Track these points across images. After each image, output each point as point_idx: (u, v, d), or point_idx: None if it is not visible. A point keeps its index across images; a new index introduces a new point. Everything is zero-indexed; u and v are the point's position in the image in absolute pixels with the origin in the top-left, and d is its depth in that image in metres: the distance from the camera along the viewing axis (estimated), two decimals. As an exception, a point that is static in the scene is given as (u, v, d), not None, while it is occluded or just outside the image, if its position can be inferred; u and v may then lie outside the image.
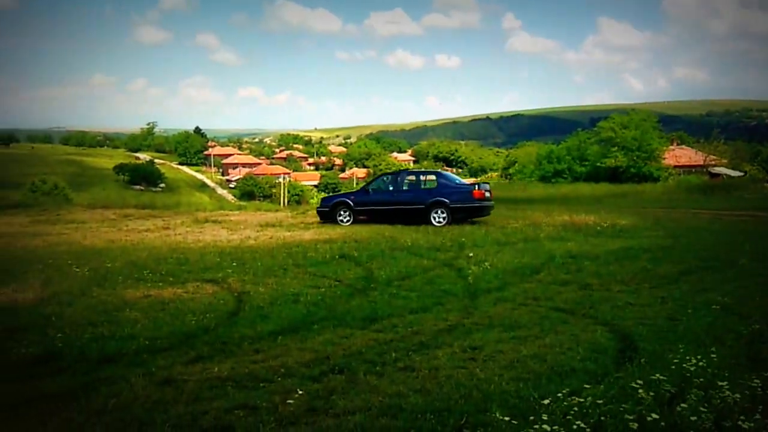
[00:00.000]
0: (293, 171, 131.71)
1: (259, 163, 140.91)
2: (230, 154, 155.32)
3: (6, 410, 5.68)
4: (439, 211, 20.41)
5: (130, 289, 10.49)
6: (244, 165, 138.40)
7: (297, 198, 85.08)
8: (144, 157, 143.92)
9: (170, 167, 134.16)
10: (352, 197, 21.99)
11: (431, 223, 20.07)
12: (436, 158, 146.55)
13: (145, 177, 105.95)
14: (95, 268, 12.15)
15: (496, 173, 72.07)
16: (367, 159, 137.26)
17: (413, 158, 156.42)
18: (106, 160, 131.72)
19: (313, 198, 79.60)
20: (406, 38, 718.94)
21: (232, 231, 19.07)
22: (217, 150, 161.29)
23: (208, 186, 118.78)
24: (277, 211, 31.94)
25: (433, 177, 22.06)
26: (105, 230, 19.74)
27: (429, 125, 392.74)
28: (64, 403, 5.81)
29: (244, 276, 11.66)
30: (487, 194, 21.51)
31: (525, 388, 5.92)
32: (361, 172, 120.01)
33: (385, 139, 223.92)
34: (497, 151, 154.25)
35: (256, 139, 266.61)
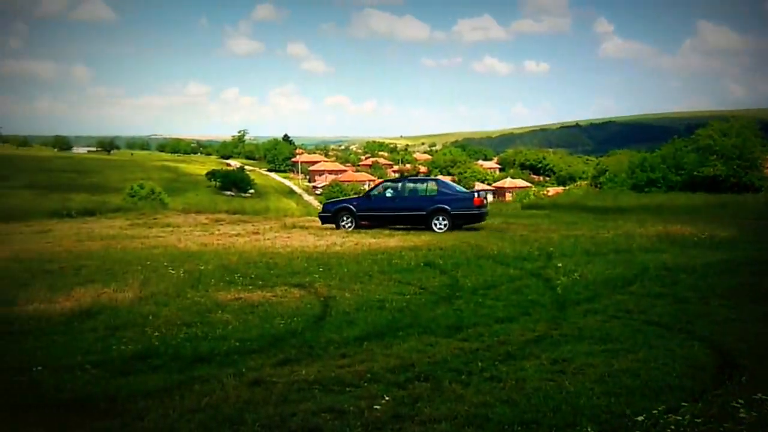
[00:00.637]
0: (378, 178, 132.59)
1: (345, 170, 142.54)
2: (317, 161, 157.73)
3: (107, 403, 5.93)
4: (440, 218, 21.18)
5: (221, 292, 10.78)
6: (330, 172, 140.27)
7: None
8: (235, 163, 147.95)
9: (259, 174, 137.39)
10: (355, 203, 22.67)
11: (432, 229, 20.89)
12: (523, 166, 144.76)
13: (236, 183, 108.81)
14: (189, 271, 12.55)
15: (586, 182, 70.55)
16: (452, 167, 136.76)
17: (499, 166, 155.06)
18: (199, 166, 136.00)
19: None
20: (494, 44, 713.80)
21: (318, 237, 19.33)
22: (305, 157, 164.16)
23: (295, 192, 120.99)
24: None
25: (434, 184, 22.77)
26: (198, 234, 20.37)
27: (516, 133, 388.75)
28: (161, 399, 6.03)
29: (331, 281, 11.81)
30: (485, 201, 22.92)
31: (617, 403, 5.77)
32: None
33: (471, 146, 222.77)
34: (587, 159, 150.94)
35: (342, 147, 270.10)
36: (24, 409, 5.78)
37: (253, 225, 23.52)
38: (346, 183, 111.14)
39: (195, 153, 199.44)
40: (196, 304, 9.92)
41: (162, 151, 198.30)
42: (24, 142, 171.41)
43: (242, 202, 54.70)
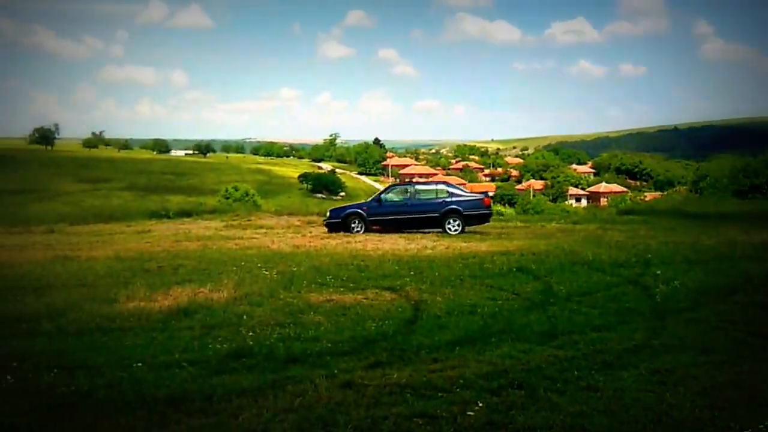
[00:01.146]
0: (469, 182, 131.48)
1: (435, 174, 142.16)
2: (407, 165, 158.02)
3: (203, 401, 6.06)
4: (452, 219, 21.57)
5: (313, 293, 10.90)
6: (420, 175, 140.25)
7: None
8: (326, 166, 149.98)
9: (350, 177, 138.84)
10: (365, 207, 22.64)
11: (446, 231, 21.29)
12: (618, 170, 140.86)
13: (327, 186, 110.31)
14: (282, 272, 12.76)
15: (685, 187, 68.00)
16: (544, 171, 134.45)
17: (593, 170, 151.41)
18: (292, 169, 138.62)
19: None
20: (588, 47, 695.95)
21: (409, 240, 19.33)
22: (395, 161, 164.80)
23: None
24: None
25: (443, 187, 23.14)
26: (290, 236, 20.74)
27: (611, 136, 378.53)
28: (254, 398, 6.13)
29: (422, 285, 11.76)
30: (491, 202, 24.20)
31: (721, 417, 5.50)
32: (538, 184, 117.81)
33: (564, 150, 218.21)
34: (686, 164, 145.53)
35: (433, 150, 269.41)
36: (125, 404, 5.98)
37: (343, 228, 23.74)
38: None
39: (287, 156, 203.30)
40: (289, 305, 10.06)
41: (256, 154, 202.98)
42: (125, 145, 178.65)
43: (333, 204, 55.42)
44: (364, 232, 21.59)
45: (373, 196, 24.45)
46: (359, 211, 22.46)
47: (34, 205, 57.80)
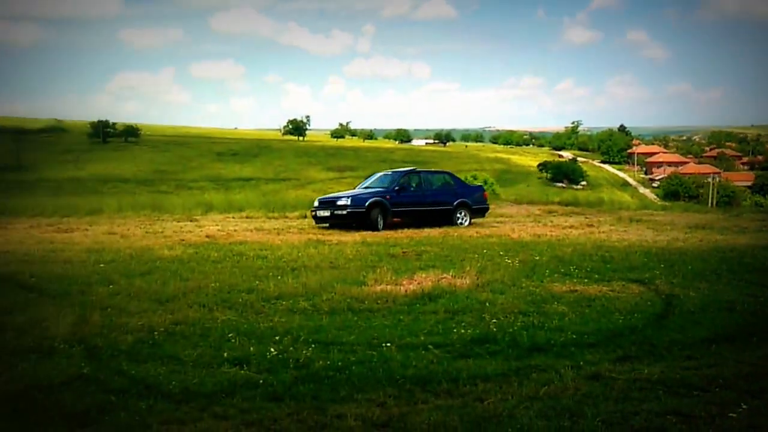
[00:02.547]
0: (724, 171, 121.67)
1: (686, 162, 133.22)
2: (654, 153, 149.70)
3: (448, 383, 6.24)
4: (462, 212, 20.10)
5: (556, 283, 10.74)
6: (669, 164, 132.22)
7: (727, 199, 78.33)
8: (567, 155, 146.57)
9: (592, 165, 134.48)
10: (387, 196, 19.60)
11: (455, 224, 19.70)
12: None
13: (567, 174, 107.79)
14: (524, 261, 12.72)
15: None
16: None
17: None
18: (531, 158, 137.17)
19: (746, 200, 72.59)
20: None
21: (657, 232, 18.37)
22: (641, 148, 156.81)
23: (629, 185, 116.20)
24: (706, 212, 29.92)
25: (449, 177, 21.51)
26: (531, 225, 20.58)
27: None
28: (499, 384, 6.18)
29: (673, 278, 11.12)
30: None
31: None
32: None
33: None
34: None
35: (684, 137, 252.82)
36: (376, 381, 6.31)
37: (586, 217, 23.13)
38: (687, 176, 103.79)
39: (527, 145, 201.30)
40: (532, 293, 10.00)
41: (495, 143, 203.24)
42: (370, 135, 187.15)
43: (574, 193, 53.90)
44: (383, 229, 18.98)
45: (381, 180, 21.29)
46: (382, 200, 19.40)
47: (289, 192, 62.57)
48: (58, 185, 55.26)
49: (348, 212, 19.09)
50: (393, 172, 21.78)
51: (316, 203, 20.55)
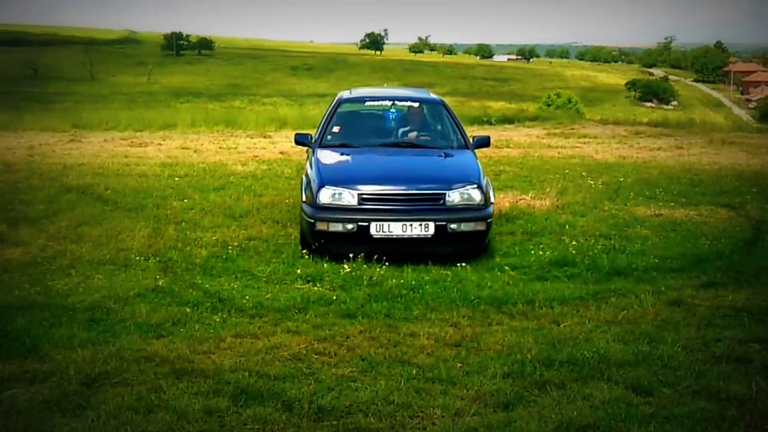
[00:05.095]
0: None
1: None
2: (752, 71, 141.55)
3: (524, 305, 6.16)
4: None
5: (640, 206, 10.37)
6: (767, 83, 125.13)
7: (831, 121, 74.00)
8: (658, 73, 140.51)
9: (684, 84, 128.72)
10: None
11: None
12: None
13: (657, 94, 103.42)
14: (607, 183, 12.30)
15: None
16: None
17: None
18: (619, 75, 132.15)
19: None
20: None
21: (751, 155, 17.45)
22: (738, 66, 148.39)
23: (724, 105, 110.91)
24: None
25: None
26: (615, 146, 19.85)
27: None
28: (576, 307, 6.09)
29: (765, 204, 10.57)
30: None
31: None
32: None
33: None
34: None
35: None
36: (450, 301, 6.28)
37: (675, 139, 22.12)
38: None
39: (615, 61, 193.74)
40: (614, 216, 9.69)
41: (581, 59, 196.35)
42: (450, 50, 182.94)
43: (664, 114, 51.89)
44: None
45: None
46: None
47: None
48: (131, 98, 56.29)
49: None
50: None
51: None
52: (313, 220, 7.31)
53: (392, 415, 4.16)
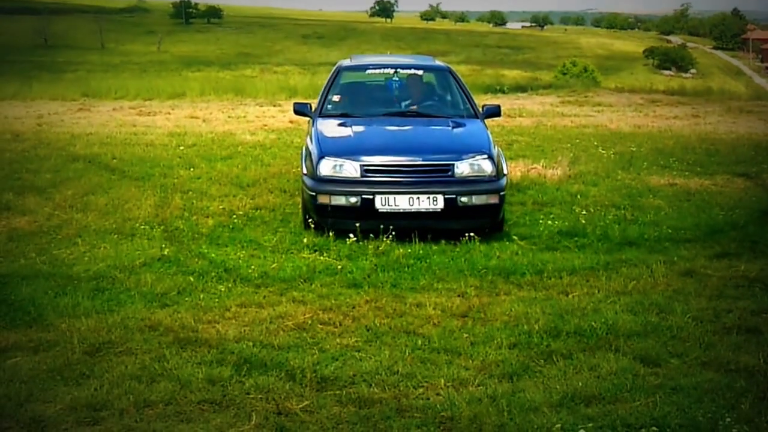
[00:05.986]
0: None
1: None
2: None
3: (532, 275, 6.09)
4: None
5: (654, 176, 10.23)
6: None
7: None
8: (676, 40, 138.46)
9: (703, 52, 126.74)
10: None
11: None
12: None
13: (675, 62, 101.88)
14: (620, 152, 12.13)
15: None
16: None
17: None
18: (636, 43, 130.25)
19: None
20: None
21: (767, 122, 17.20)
22: (757, 34, 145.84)
23: (744, 73, 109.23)
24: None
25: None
26: (631, 115, 19.59)
27: None
28: (586, 278, 6.02)
29: (784, 172, 10.44)
30: None
31: None
32: None
33: None
34: None
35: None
36: (458, 271, 6.21)
37: (693, 108, 21.80)
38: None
39: (632, 29, 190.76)
40: (627, 186, 9.57)
41: (597, 26, 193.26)
42: (462, 17, 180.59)
43: (682, 82, 50.96)
44: None
45: None
46: None
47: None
48: (142, 67, 55.95)
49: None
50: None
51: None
52: (314, 193, 7.01)
53: (396, 385, 4.12)
